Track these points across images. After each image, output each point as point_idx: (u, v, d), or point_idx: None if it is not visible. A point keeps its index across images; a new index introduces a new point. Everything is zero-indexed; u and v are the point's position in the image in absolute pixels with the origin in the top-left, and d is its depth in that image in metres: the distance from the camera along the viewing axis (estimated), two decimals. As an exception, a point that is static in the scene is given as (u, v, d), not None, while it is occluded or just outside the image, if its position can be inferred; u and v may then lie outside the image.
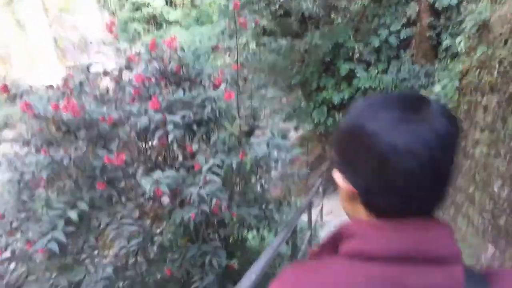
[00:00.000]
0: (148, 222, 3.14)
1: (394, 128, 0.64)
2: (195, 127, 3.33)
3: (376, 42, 9.80)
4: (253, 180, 3.67)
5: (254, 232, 3.97)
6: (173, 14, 22.41)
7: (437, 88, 8.26)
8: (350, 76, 10.18)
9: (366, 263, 0.65)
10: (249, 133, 3.77)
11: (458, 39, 7.56)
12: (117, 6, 22.05)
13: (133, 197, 3.12)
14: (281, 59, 9.94)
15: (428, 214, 0.69)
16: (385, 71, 9.86)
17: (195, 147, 3.11)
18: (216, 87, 3.47)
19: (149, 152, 3.34)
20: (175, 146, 3.35)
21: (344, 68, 10.16)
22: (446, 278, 0.64)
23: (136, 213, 3.04)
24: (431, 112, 0.66)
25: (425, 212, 0.69)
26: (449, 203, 6.71)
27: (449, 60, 8.96)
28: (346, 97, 10.19)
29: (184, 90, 3.42)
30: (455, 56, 8.57)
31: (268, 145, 3.47)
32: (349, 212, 0.77)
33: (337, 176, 0.76)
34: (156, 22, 22.02)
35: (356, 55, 9.94)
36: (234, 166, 3.23)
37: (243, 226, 3.45)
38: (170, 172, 2.88)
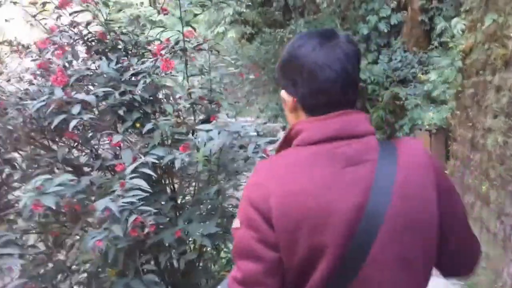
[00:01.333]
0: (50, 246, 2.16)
1: (316, 51, 0.94)
2: (122, 111, 2.32)
3: (364, 30, 8.83)
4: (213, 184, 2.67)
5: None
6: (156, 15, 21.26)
7: (432, 75, 7.31)
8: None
9: (309, 146, 0.94)
10: (206, 121, 2.75)
11: (454, 21, 6.62)
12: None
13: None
14: (262, 50, 8.96)
15: (348, 108, 0.96)
16: (375, 61, 8.90)
17: (117, 139, 2.11)
18: (155, 56, 2.46)
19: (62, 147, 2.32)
20: (93, 140, 2.34)
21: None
22: (364, 145, 0.93)
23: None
24: (340, 39, 0.96)
25: (345, 106, 0.95)
26: None
27: (443, 46, 8.05)
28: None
29: (109, 60, 2.42)
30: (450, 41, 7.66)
31: (232, 135, 2.47)
32: (293, 120, 1.02)
33: (283, 93, 1.02)
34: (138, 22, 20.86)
35: (344, 45, 8.96)
36: (178, 164, 2.23)
37: (196, 248, 2.46)
38: (64, 177, 1.87)
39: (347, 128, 0.93)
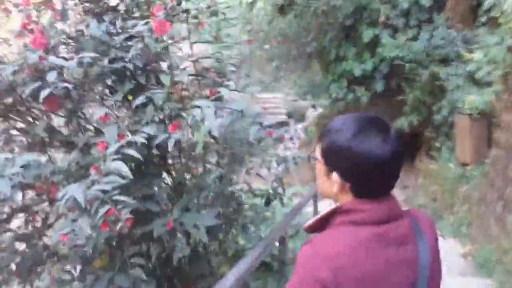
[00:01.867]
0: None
1: (377, 145, 1.01)
2: (110, 81, 1.99)
3: (405, 4, 8.08)
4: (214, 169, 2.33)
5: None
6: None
7: (477, 55, 6.60)
8: (374, 43, 8.50)
9: (362, 227, 1.01)
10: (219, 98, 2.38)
11: (506, -6, 5.86)
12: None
13: None
14: (294, 23, 8.39)
15: (388, 193, 1.06)
16: (415, 38, 8.16)
17: (100, 112, 1.79)
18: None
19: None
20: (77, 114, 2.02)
21: (367, 34, 8.49)
22: (404, 227, 1.04)
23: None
24: (392, 134, 1.03)
25: (387, 192, 1.05)
26: (477, 198, 5.20)
27: (491, 23, 7.26)
28: (369, 68, 8.57)
29: (101, 22, 2.08)
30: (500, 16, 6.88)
31: (233, 114, 2.11)
32: (334, 197, 1.09)
33: (335, 177, 1.05)
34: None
35: (382, 19, 8.26)
36: (171, 145, 1.89)
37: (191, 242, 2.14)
38: (28, 157, 1.57)
39: (393, 212, 1.04)
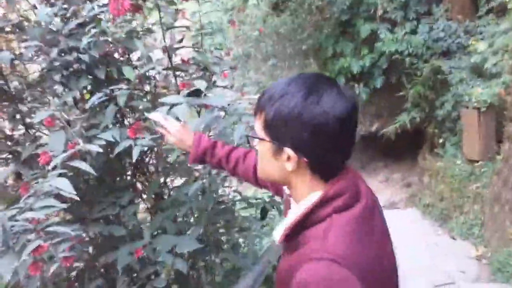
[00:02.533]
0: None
1: (334, 103, 0.81)
2: (59, 77, 1.58)
3: (402, -4, 7.70)
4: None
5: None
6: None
7: (482, 45, 6.22)
8: (372, 38, 8.09)
9: (344, 213, 0.83)
10: (195, 93, 1.97)
11: (509, -18, 5.48)
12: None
13: None
14: (289, 20, 7.98)
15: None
16: (414, 31, 7.77)
17: (42, 115, 1.38)
18: None
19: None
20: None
21: (364, 29, 8.08)
22: (367, 197, 0.87)
23: None
24: (342, 87, 0.87)
25: (346, 162, 0.89)
26: (491, 196, 4.78)
27: (493, 13, 6.88)
28: (367, 64, 8.16)
29: (52, 6, 1.67)
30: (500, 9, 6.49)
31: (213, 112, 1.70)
32: (284, 181, 0.91)
33: (286, 153, 0.84)
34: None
35: (379, 13, 7.85)
36: (136, 154, 1.48)
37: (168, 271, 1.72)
38: None
39: (358, 185, 0.89)
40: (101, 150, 1.42)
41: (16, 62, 1.69)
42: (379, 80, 8.20)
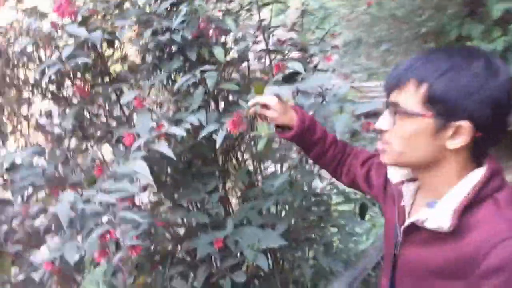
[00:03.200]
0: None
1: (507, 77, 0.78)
2: (151, 57, 1.55)
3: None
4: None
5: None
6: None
7: None
8: (506, 19, 7.01)
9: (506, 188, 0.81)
10: (291, 77, 1.82)
11: None
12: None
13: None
14: (407, 1, 7.28)
15: None
16: (562, 9, 6.52)
17: (129, 96, 1.34)
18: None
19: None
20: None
21: (497, 8, 7.01)
22: None
23: None
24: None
25: None
26: None
27: None
28: (499, 48, 7.10)
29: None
30: None
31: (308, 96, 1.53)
32: (434, 164, 0.83)
33: (458, 128, 0.78)
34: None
35: (517, -11, 6.74)
36: (219, 141, 1.39)
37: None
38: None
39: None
40: (184, 133, 1.34)
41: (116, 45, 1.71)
42: (513, 67, 7.12)
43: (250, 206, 1.60)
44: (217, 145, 1.38)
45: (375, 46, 8.14)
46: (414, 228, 0.85)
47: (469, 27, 7.48)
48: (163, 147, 1.28)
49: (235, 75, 1.76)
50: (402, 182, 0.94)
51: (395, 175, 0.96)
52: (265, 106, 1.17)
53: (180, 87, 1.50)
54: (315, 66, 1.99)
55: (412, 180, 0.94)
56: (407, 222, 0.87)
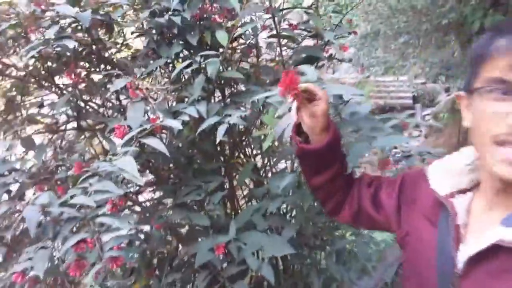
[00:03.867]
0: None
1: None
2: (148, 41, 1.38)
3: None
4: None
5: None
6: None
7: None
8: (532, 11, 6.65)
9: None
10: (307, 60, 1.66)
11: None
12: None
13: None
14: (427, -8, 6.96)
15: None
16: None
17: (120, 83, 1.18)
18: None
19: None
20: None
21: (523, -1, 6.68)
22: None
23: None
24: None
25: None
26: None
27: None
28: (523, 41, 6.76)
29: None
30: None
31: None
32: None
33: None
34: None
35: (546, -21, 6.37)
36: (221, 134, 1.22)
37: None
38: None
39: None
40: (181, 126, 1.18)
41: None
42: (538, 61, 6.77)
43: (255, 208, 1.44)
44: (217, 139, 1.21)
45: (393, 38, 7.84)
46: (486, 254, 0.63)
47: (492, 19, 7.11)
48: (154, 142, 1.12)
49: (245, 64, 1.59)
50: (452, 195, 0.73)
51: (442, 184, 0.76)
52: (308, 99, 0.92)
53: (179, 74, 1.34)
54: (331, 56, 1.81)
55: (462, 191, 0.74)
56: (479, 247, 0.64)
